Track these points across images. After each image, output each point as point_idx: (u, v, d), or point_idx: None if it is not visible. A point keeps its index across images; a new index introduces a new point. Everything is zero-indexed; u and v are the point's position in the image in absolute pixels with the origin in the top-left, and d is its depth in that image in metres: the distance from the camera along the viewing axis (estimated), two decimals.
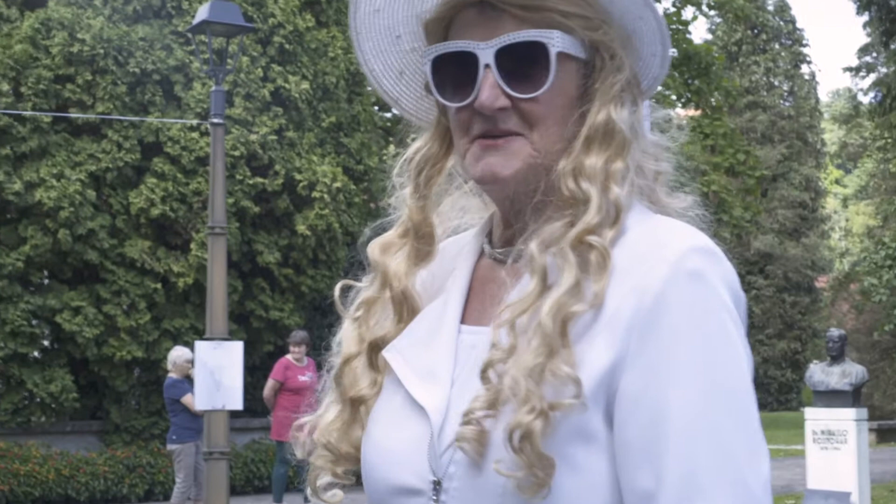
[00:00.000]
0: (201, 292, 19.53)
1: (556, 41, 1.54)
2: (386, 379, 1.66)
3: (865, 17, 32.49)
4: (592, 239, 1.48)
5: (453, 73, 1.59)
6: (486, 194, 1.69)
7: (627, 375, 1.42)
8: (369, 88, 24.65)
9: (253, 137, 19.19)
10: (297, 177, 19.84)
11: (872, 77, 36.02)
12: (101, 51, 18.59)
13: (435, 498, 1.50)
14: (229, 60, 13.65)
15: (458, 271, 1.68)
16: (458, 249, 1.73)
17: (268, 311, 20.23)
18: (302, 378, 16.34)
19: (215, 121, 12.91)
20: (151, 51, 19.06)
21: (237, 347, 12.43)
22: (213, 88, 13.11)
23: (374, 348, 1.68)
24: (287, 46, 20.32)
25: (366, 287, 1.74)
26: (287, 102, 20.19)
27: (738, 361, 1.44)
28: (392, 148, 26.53)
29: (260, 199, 19.63)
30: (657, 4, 1.35)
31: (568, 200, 1.53)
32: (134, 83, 18.98)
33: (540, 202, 1.56)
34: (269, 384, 16.06)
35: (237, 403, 12.36)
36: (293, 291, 20.72)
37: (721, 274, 1.47)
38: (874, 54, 35.98)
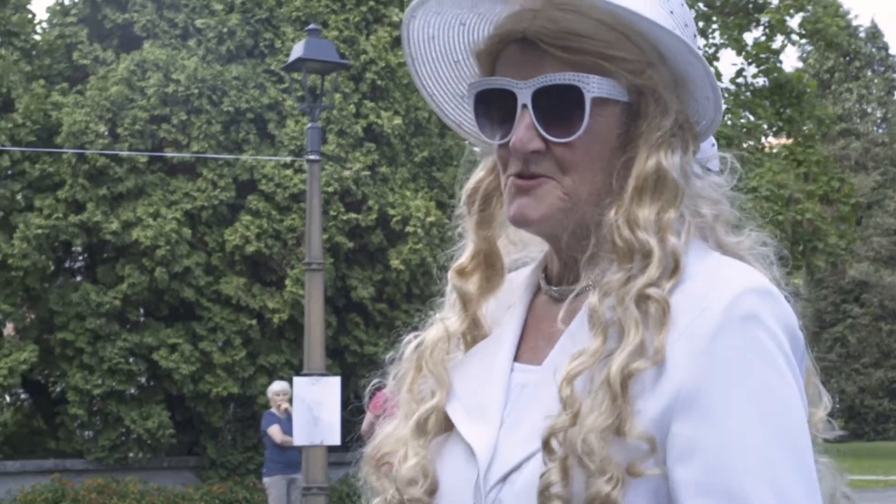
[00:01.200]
0: (296, 328, 19.63)
1: (593, 86, 1.51)
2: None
3: None
4: (653, 291, 1.45)
5: (495, 108, 1.58)
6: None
7: (680, 423, 1.40)
8: None
9: (346, 173, 19.28)
10: (391, 212, 19.89)
11: None
12: (196, 91, 18.81)
13: None
14: (324, 97, 13.71)
15: (514, 307, 1.67)
16: (518, 285, 1.71)
17: (362, 345, 20.26)
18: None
19: (311, 157, 12.98)
20: (245, 89, 19.26)
21: (334, 383, 12.45)
22: (309, 125, 13.19)
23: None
24: (379, 82, 20.42)
25: (448, 313, 1.72)
26: (380, 138, 20.28)
27: (794, 404, 1.42)
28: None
29: (353, 235, 19.69)
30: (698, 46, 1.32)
31: (622, 251, 1.50)
32: (228, 122, 19.18)
33: (595, 248, 1.54)
34: (368, 418, 15.98)
35: (335, 439, 12.36)
36: (387, 326, 20.72)
37: (776, 314, 1.44)
38: None
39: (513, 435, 1.50)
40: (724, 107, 1.60)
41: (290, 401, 15.34)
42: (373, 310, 20.39)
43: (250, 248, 18.96)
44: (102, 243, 18.63)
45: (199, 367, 18.98)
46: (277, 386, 15.50)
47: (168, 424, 18.87)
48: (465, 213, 1.74)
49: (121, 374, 18.63)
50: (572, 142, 1.52)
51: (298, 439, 12.30)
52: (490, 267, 1.70)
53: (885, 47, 49.58)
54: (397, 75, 20.79)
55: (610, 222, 1.51)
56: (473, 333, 1.69)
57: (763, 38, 34.31)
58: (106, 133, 18.61)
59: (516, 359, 1.61)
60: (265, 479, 15.12)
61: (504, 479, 1.48)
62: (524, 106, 1.53)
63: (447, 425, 1.63)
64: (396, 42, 21.12)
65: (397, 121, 20.34)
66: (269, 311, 19.31)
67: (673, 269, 1.48)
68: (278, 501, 14.87)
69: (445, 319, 1.71)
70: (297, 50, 13.40)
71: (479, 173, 1.73)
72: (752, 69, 33.04)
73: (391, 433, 1.69)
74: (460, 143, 23.43)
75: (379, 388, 1.78)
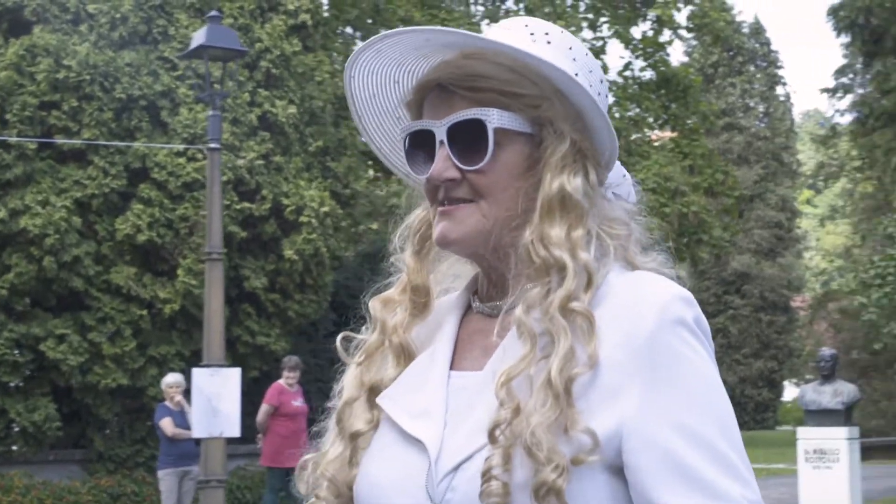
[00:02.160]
0: (188, 318, 19.40)
1: (493, 118, 1.72)
2: (381, 423, 1.82)
3: (844, 39, 32.71)
4: (576, 305, 1.65)
5: (421, 149, 1.79)
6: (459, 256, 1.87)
7: (631, 419, 1.60)
8: None
9: (240, 162, 19.07)
10: (285, 201, 19.73)
11: (849, 98, 36.26)
12: (87, 77, 18.45)
13: None
14: (229, 83, 13.54)
15: (445, 324, 1.85)
16: (447, 307, 1.89)
17: (254, 336, 20.08)
18: (295, 403, 16.22)
19: (212, 146, 12.81)
20: (137, 76, 18.94)
21: (234, 374, 12.33)
22: (210, 113, 12.99)
23: (373, 391, 1.84)
24: (274, 71, 20.24)
25: (367, 337, 1.90)
26: (274, 127, 20.09)
27: (722, 389, 1.64)
28: (371, 172, 26.51)
29: (247, 225, 19.50)
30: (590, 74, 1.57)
31: (539, 267, 1.69)
32: (120, 109, 18.84)
33: (517, 266, 1.74)
34: (263, 409, 15.88)
35: (234, 430, 12.25)
36: (280, 316, 20.59)
37: (696, 317, 1.67)
38: (851, 75, 36.20)
39: (459, 431, 1.67)
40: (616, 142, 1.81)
41: (184, 393, 15.21)
42: (265, 300, 20.23)
43: (142, 238, 18.66)
44: None
45: (88, 358, 18.63)
46: (171, 378, 15.32)
47: (55, 417, 18.50)
48: (399, 249, 1.91)
49: (6, 366, 18.20)
50: (482, 168, 1.73)
51: (198, 431, 12.16)
52: (419, 297, 1.88)
53: (768, 43, 50.52)
54: (292, 64, 20.62)
55: (525, 241, 1.71)
56: (397, 353, 1.86)
57: (651, 33, 34.75)
58: None
59: (452, 368, 1.78)
60: (158, 472, 14.96)
61: (456, 468, 1.63)
62: (441, 142, 1.75)
63: (373, 423, 1.82)
64: (291, 30, 20.99)
65: (292, 110, 20.18)
66: (161, 301, 19.03)
67: (588, 281, 1.68)
68: (170, 494, 14.71)
69: (364, 344, 1.90)
70: (199, 37, 13.18)
71: (417, 212, 1.91)
72: (640, 63, 33.46)
73: (321, 455, 1.88)
74: (354, 132, 23.37)
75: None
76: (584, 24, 33.62)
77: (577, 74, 1.75)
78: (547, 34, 1.81)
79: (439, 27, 1.74)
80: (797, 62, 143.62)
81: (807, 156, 61.02)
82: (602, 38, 34.00)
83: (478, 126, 1.72)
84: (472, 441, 1.63)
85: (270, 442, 16.19)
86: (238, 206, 19.26)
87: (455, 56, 1.76)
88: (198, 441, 14.88)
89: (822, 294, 43.80)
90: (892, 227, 18.82)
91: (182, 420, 14.72)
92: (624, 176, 1.92)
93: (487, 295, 1.83)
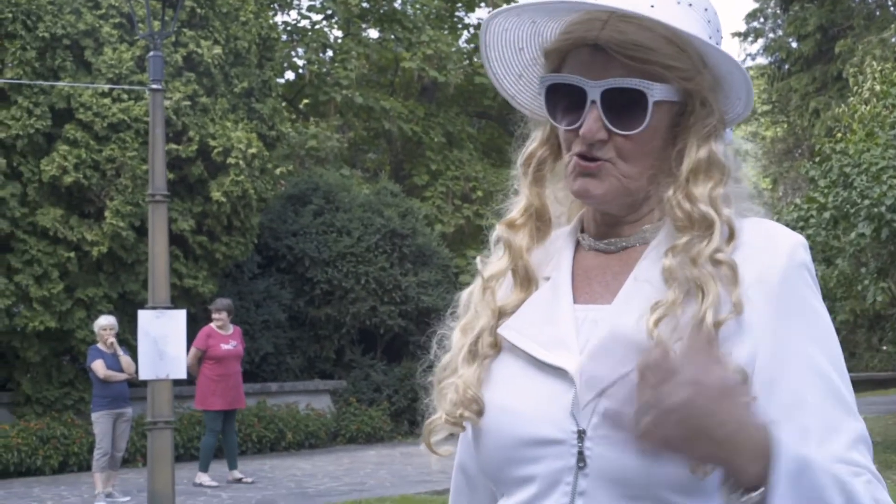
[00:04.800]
0: (115, 260, 19.27)
1: (656, 91, 1.80)
2: (503, 352, 1.90)
3: None
4: (722, 256, 1.77)
5: (564, 100, 1.85)
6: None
7: (764, 355, 1.73)
8: (279, 54, 24.48)
9: (167, 103, 18.89)
10: (212, 143, 19.60)
11: (761, 42, 36.81)
12: (10, 15, 18.13)
13: (579, 445, 1.73)
14: (165, 21, 13.39)
15: (561, 261, 1.94)
16: (559, 240, 1.99)
17: (182, 278, 19.99)
18: (225, 346, 16.24)
19: (154, 87, 12.68)
20: (61, 15, 18.65)
21: (180, 316, 12.29)
22: (151, 54, 12.85)
23: (499, 315, 1.92)
24: (199, 11, 20.04)
25: (496, 259, 1.99)
26: (199, 68, 19.91)
27: (835, 335, 1.81)
28: (285, 113, 26.40)
29: (174, 166, 19.34)
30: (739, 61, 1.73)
31: (682, 221, 1.81)
32: (43, 48, 18.56)
33: (640, 205, 1.88)
34: (192, 352, 15.86)
35: (181, 372, 12.24)
36: (207, 259, 20.52)
37: (811, 262, 1.83)
38: (762, 19, 36.71)
39: (597, 360, 1.72)
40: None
41: (117, 336, 15.16)
42: (193, 242, 20.13)
43: (68, 179, 18.45)
44: None
45: (15, 301, 18.44)
46: (104, 320, 15.25)
47: None
48: (520, 174, 2.00)
49: None
50: (633, 136, 1.81)
51: (144, 373, 12.13)
52: (539, 219, 1.99)
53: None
54: (216, 3, 20.43)
55: (669, 198, 1.83)
56: (522, 276, 1.96)
57: None
58: None
59: (574, 302, 1.87)
60: (92, 415, 14.92)
61: (600, 395, 1.69)
62: (593, 102, 1.80)
63: (496, 348, 1.90)
64: None
65: (217, 50, 20.01)
66: (88, 243, 18.85)
67: (730, 235, 1.80)
68: (104, 436, 14.69)
69: (492, 266, 1.98)
70: None
71: (533, 143, 1.99)
72: None
73: (447, 363, 1.95)
74: (278, 73, 23.29)
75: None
76: None
77: (711, 38, 1.83)
78: None
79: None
80: None
81: None
82: None
83: (638, 96, 1.79)
84: (614, 370, 1.65)
85: (202, 385, 16.23)
86: (165, 148, 19.05)
87: (610, 17, 1.80)
88: (132, 383, 14.87)
89: None
90: (813, 171, 19.17)
91: (114, 362, 14.68)
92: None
93: (599, 233, 1.93)
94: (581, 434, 1.72)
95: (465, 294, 2.01)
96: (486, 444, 1.84)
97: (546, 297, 1.90)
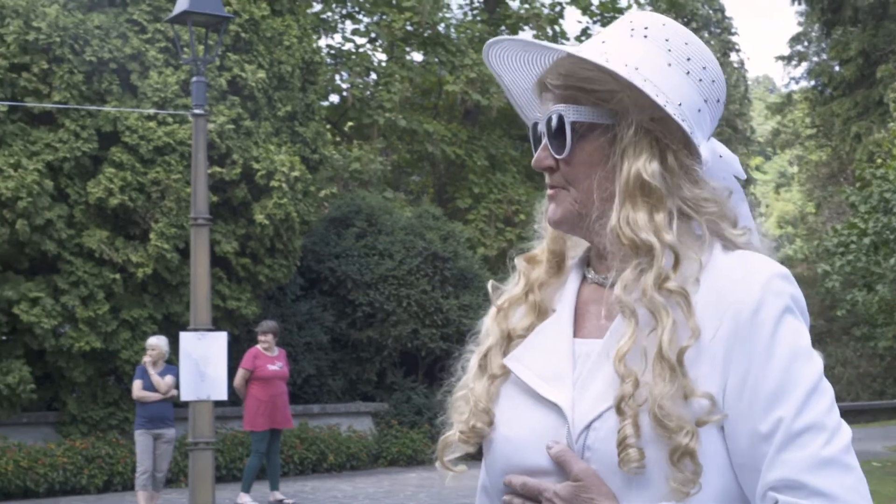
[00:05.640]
0: (159, 282, 19.48)
1: (570, 113, 1.91)
2: (509, 380, 1.99)
3: (798, 7, 33.11)
4: (670, 285, 1.81)
5: (535, 137, 2.00)
6: None
7: (734, 377, 1.78)
8: (322, 77, 24.69)
9: (211, 127, 19.10)
10: (255, 166, 19.80)
11: (804, 66, 36.73)
12: (58, 39, 18.40)
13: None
14: (210, 46, 13.56)
15: (565, 294, 2.03)
16: (569, 274, 2.08)
17: (225, 300, 20.18)
18: (271, 367, 16.36)
19: (197, 111, 12.86)
20: (107, 39, 18.91)
21: (221, 338, 12.43)
22: (194, 79, 13.04)
23: (508, 337, 2.03)
24: (243, 35, 20.25)
25: (511, 287, 2.10)
26: (243, 91, 20.12)
27: (816, 362, 1.81)
28: (330, 136, 26.57)
29: (217, 189, 19.55)
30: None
31: (627, 249, 1.86)
32: (90, 72, 18.82)
33: (611, 244, 1.91)
34: (239, 374, 16.05)
35: (222, 394, 12.36)
36: (250, 281, 20.69)
37: (794, 293, 1.84)
38: (806, 43, 36.64)
39: (586, 394, 1.84)
40: (712, 123, 1.98)
41: (166, 357, 15.28)
42: (236, 264, 20.32)
43: (114, 201, 18.68)
44: None
45: (61, 322, 18.67)
46: (150, 340, 15.38)
47: (28, 379, 18.51)
48: (543, 217, 2.09)
49: None
50: (567, 157, 1.92)
51: (185, 394, 12.27)
52: (557, 260, 2.08)
53: (722, 9, 50.76)
54: (261, 28, 20.65)
55: (612, 225, 1.88)
56: (532, 306, 2.05)
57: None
58: None
59: (576, 334, 1.96)
60: (134, 433, 15.08)
61: (587, 427, 1.81)
62: (542, 133, 1.96)
63: (505, 369, 1.99)
64: None
65: (261, 74, 20.22)
66: (133, 265, 19.07)
67: (675, 260, 1.83)
68: (144, 454, 14.80)
69: (507, 292, 2.09)
70: (183, 3, 13.21)
71: None
72: (598, 28, 33.65)
73: (462, 383, 2.07)
74: (320, 97, 23.50)
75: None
76: None
77: (669, 65, 1.90)
78: (646, 28, 1.94)
79: (534, 41, 1.94)
80: (745, 30, 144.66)
81: (757, 122, 61.52)
82: (560, 4, 34.22)
83: (559, 120, 1.91)
84: (599, 404, 1.80)
85: (249, 406, 16.35)
86: (209, 171, 19.28)
87: (559, 60, 1.95)
88: (177, 404, 14.98)
89: (780, 261, 44.31)
90: (854, 196, 19.12)
91: (149, 383, 14.81)
92: (720, 156, 2.02)
93: (598, 266, 2.01)
94: None
95: (485, 320, 2.11)
96: (494, 469, 1.95)
97: (550, 329, 1.99)
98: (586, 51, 1.90)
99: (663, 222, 1.85)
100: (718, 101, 1.97)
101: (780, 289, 1.81)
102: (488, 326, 2.07)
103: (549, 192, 1.97)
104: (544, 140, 1.94)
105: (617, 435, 1.75)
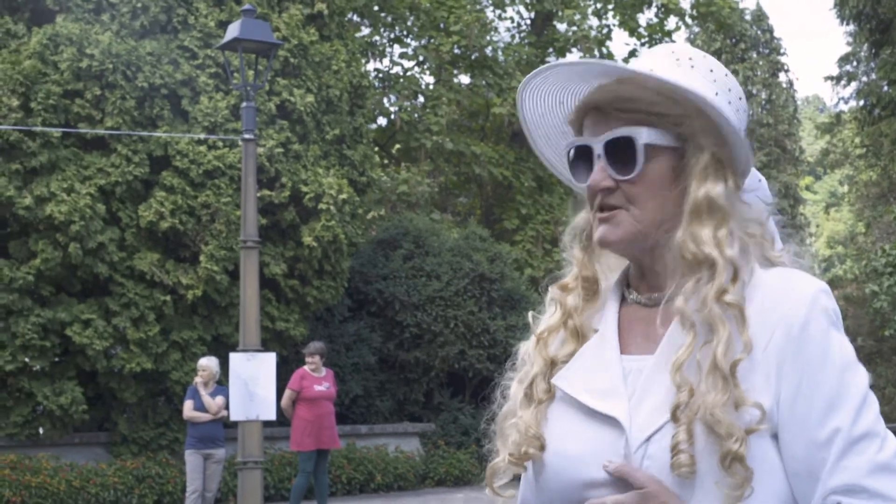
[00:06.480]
0: (209, 304, 19.73)
1: (643, 135, 1.99)
2: (557, 400, 2.07)
3: (847, 27, 33.00)
4: (729, 298, 1.92)
5: (582, 161, 2.06)
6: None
7: (786, 399, 1.89)
8: (370, 101, 24.91)
9: (260, 150, 19.36)
10: (304, 189, 20.04)
11: (853, 86, 36.56)
12: (110, 66, 18.73)
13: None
14: (259, 71, 13.78)
15: (607, 314, 2.11)
16: (606, 296, 2.15)
17: (274, 321, 20.40)
18: (318, 388, 16.51)
19: (247, 136, 13.11)
20: (159, 65, 19.23)
21: (270, 359, 12.63)
22: (244, 105, 13.30)
23: (552, 364, 2.10)
24: (292, 60, 20.52)
25: (549, 316, 2.18)
26: (292, 115, 20.38)
27: (862, 373, 1.92)
28: (377, 158, 26.79)
29: (266, 212, 19.80)
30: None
31: (690, 263, 1.96)
32: (142, 98, 19.14)
33: (671, 261, 2.00)
34: (287, 394, 16.21)
35: (271, 414, 12.55)
36: (298, 302, 20.91)
37: (836, 308, 1.96)
38: (854, 63, 36.49)
39: (642, 408, 1.93)
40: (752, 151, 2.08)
41: (217, 377, 15.50)
42: (285, 286, 20.55)
43: (164, 224, 18.97)
44: (15, 218, 18.47)
45: (112, 343, 18.97)
46: (201, 360, 15.60)
47: (80, 400, 18.80)
48: (570, 245, 2.18)
49: (33, 350, 18.51)
50: (633, 178, 1.99)
51: (235, 414, 12.48)
52: (591, 285, 2.15)
53: (770, 30, 50.63)
54: (309, 53, 20.91)
55: (678, 240, 1.97)
56: (572, 331, 2.13)
57: (656, 20, 35.02)
58: (19, 108, 18.43)
59: (622, 352, 2.04)
60: (185, 452, 15.32)
61: (647, 440, 1.89)
62: (598, 155, 2.01)
63: (550, 394, 2.07)
64: (309, 19, 21.30)
65: (310, 98, 20.47)
66: (183, 287, 19.35)
67: (734, 275, 1.95)
68: (193, 474, 15.02)
69: (545, 321, 2.17)
70: (234, 30, 13.47)
71: (582, 214, 2.16)
72: (645, 50, 33.59)
73: (507, 411, 2.14)
74: (368, 120, 23.73)
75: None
76: (590, 11, 33.91)
77: (717, 94, 2.03)
78: (691, 59, 2.07)
79: (596, 60, 2.03)
80: (794, 50, 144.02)
81: (807, 142, 61.21)
82: (608, 26, 34.29)
83: (629, 142, 1.98)
84: (657, 417, 1.90)
85: (296, 426, 16.51)
86: (258, 194, 19.55)
87: (610, 81, 2.02)
88: (227, 424, 15.21)
89: (828, 281, 44.05)
90: None
91: (200, 403, 15.04)
92: (760, 180, 2.20)
93: (640, 287, 2.09)
94: None
95: (521, 347, 2.20)
96: (548, 487, 2.01)
97: (595, 348, 2.06)
98: (660, 75, 2.00)
99: (726, 239, 1.96)
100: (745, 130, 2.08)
101: (825, 304, 1.92)
102: (531, 355, 2.15)
103: (601, 214, 2.02)
104: (602, 162, 2.00)
105: (670, 441, 1.86)
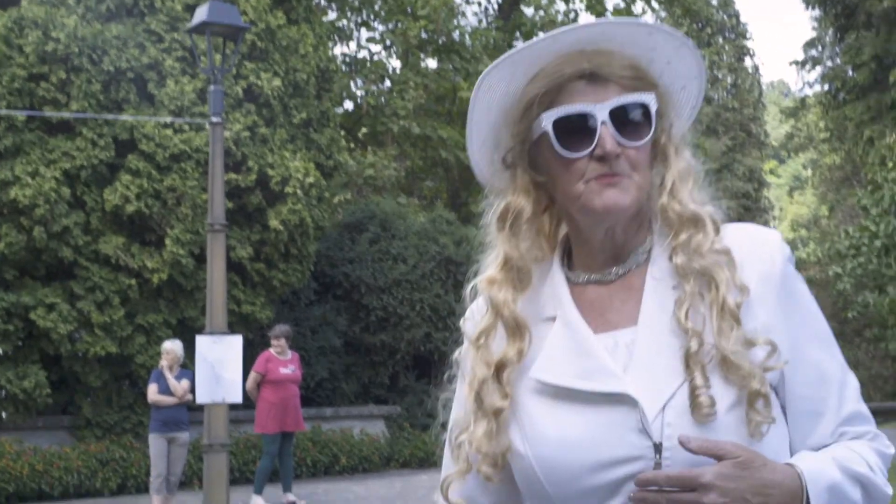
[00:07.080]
0: (174, 288, 19.71)
1: (653, 102, 2.01)
2: (526, 396, 2.01)
3: (812, 12, 33.24)
4: (719, 245, 1.97)
5: (572, 130, 1.98)
6: (586, 225, 2.04)
7: (777, 331, 1.95)
8: (337, 85, 24.89)
9: (227, 134, 19.32)
10: (270, 172, 20.03)
11: (818, 70, 36.82)
12: (76, 49, 18.66)
13: (656, 458, 1.88)
14: (226, 55, 13.76)
15: (562, 298, 2.06)
16: (545, 281, 2.11)
17: (240, 305, 20.40)
18: (283, 371, 16.56)
19: (214, 120, 13.10)
20: (125, 49, 19.16)
21: (237, 341, 12.66)
22: (212, 88, 13.28)
23: (499, 368, 2.03)
24: (259, 44, 20.48)
25: (481, 318, 2.11)
26: (259, 99, 20.36)
27: (821, 312, 2.07)
28: (343, 143, 26.80)
29: (233, 195, 19.77)
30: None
31: (675, 222, 2.00)
32: (108, 81, 19.08)
33: (636, 227, 2.04)
34: (252, 377, 16.23)
35: (237, 397, 12.59)
36: (264, 286, 20.92)
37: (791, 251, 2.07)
38: (820, 48, 36.74)
39: (648, 377, 1.92)
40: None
41: (181, 361, 15.48)
42: (251, 269, 20.54)
43: (130, 208, 18.93)
44: None
45: (77, 327, 18.94)
46: (165, 343, 15.53)
47: (44, 384, 18.75)
48: (495, 228, 2.11)
49: None
50: (641, 145, 1.99)
51: (201, 397, 12.51)
52: (519, 271, 2.08)
53: (736, 15, 50.87)
54: (276, 37, 20.86)
55: (664, 203, 2.02)
56: (512, 326, 2.06)
57: (623, 5, 35.12)
58: None
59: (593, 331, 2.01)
60: (149, 437, 15.30)
61: (663, 408, 1.89)
62: (603, 122, 1.96)
63: (506, 398, 2.01)
64: (276, 3, 21.25)
65: (277, 82, 20.43)
66: (148, 270, 19.32)
67: (717, 228, 2.00)
68: (157, 458, 14.97)
69: (478, 325, 2.10)
70: (202, 13, 13.44)
71: (508, 198, 2.10)
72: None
73: (458, 420, 2.10)
74: (335, 104, 23.71)
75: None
76: None
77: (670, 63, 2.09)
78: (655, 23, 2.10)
79: (626, 18, 2.04)
80: (760, 35, 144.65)
81: (771, 126, 61.54)
82: (575, 10, 34.37)
83: (642, 108, 1.99)
84: (670, 383, 1.90)
85: (261, 409, 16.55)
86: (224, 178, 19.51)
87: (591, 50, 1.99)
88: (192, 407, 15.21)
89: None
90: (866, 199, 19.32)
91: (165, 386, 15.01)
92: None
93: (591, 265, 2.06)
94: (657, 447, 1.87)
95: (457, 357, 2.16)
96: (558, 479, 1.94)
97: (563, 335, 2.02)
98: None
99: (703, 197, 2.04)
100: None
101: (789, 253, 2.03)
102: (471, 364, 2.08)
103: (609, 178, 1.96)
104: (609, 127, 1.95)
105: (688, 388, 1.88)
